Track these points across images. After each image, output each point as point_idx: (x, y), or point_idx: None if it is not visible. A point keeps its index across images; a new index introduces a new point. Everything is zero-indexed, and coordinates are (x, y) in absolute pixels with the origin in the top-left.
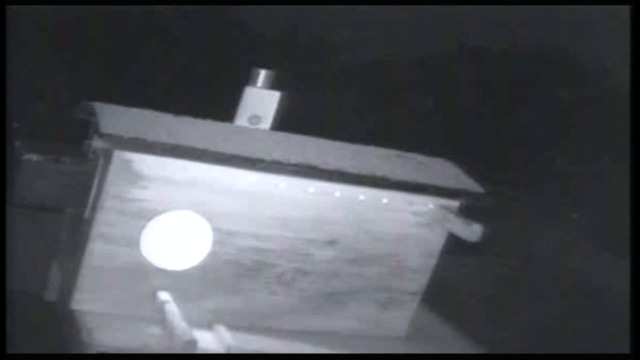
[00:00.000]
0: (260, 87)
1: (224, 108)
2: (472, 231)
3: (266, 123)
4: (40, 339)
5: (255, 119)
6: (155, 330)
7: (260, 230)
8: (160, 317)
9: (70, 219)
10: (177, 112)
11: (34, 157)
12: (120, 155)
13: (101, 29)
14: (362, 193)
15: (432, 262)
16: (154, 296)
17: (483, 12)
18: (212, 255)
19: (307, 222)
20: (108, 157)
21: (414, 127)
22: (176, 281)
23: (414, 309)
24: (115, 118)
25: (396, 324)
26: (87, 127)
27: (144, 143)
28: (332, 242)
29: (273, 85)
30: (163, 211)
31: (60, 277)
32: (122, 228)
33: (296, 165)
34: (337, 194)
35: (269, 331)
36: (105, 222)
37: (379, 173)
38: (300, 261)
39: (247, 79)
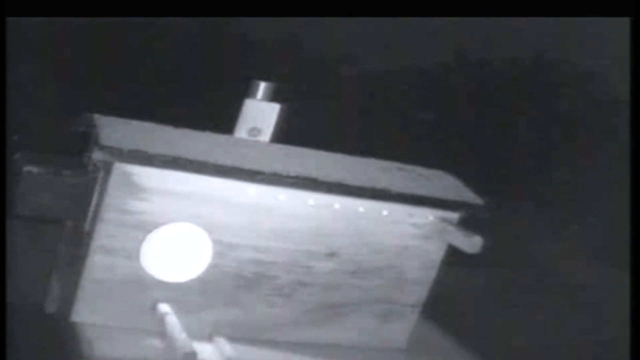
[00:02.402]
0: (260, 100)
1: (223, 120)
2: (472, 243)
3: (266, 135)
4: (40, 351)
5: (255, 131)
6: (156, 342)
7: (260, 243)
8: (160, 329)
9: (71, 231)
10: (177, 124)
11: (34, 169)
12: (121, 168)
13: (101, 41)
14: (361, 205)
15: (432, 274)
16: (154, 308)
17: (482, 24)
18: (212, 267)
19: (307, 234)
20: (108, 169)
21: (413, 139)
22: (176, 293)
23: (414, 321)
24: (115, 130)
25: (396, 335)
26: (87, 139)
27: (144, 155)
28: (332, 254)
29: (273, 97)
30: (163, 223)
31: (60, 289)
32: (122, 240)
33: (296, 177)
34: (337, 206)
35: (270, 343)
36: (106, 234)
37: (379, 185)
38: (300, 273)
39: (247, 91)
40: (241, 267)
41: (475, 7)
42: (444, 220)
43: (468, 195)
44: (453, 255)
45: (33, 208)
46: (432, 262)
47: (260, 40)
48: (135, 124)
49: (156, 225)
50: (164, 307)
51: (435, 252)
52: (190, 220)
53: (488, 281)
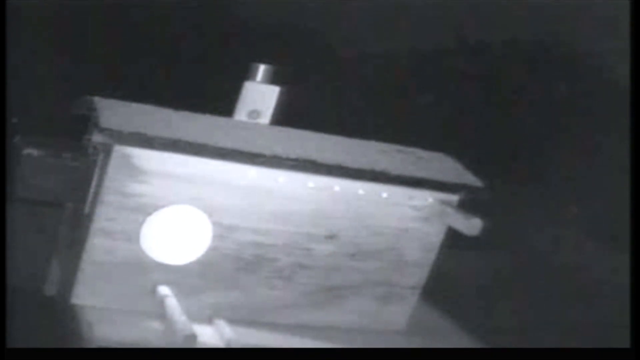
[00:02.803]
0: (260, 82)
1: (223, 103)
2: (471, 225)
3: (265, 118)
4: (40, 333)
5: (254, 113)
6: (156, 324)
7: (260, 225)
8: (160, 311)
9: (71, 214)
10: (177, 107)
11: (34, 152)
12: (120, 150)
13: (100, 23)
14: (361, 187)
15: (432, 256)
16: (154, 290)
17: (482, 6)
18: (212, 249)
19: (306, 216)
20: (108, 151)
21: (413, 122)
22: (176, 275)
23: (413, 303)
24: (114, 113)
25: (396, 318)
26: (87, 122)
27: (143, 138)
28: (331, 237)
29: (272, 79)
30: (163, 206)
31: (60, 271)
32: (122, 223)
33: (296, 159)
34: (337, 188)
35: (269, 325)
36: (106, 217)
37: (379, 167)
38: (300, 255)
39: (247, 74)
40: (241, 249)
41: None
42: (443, 202)
43: (468, 177)
44: (452, 237)
45: (33, 191)
46: (431, 245)
47: (260, 22)
48: (135, 106)
49: (156, 208)
50: (164, 290)
51: (435, 235)
52: (190, 202)
53: (487, 263)
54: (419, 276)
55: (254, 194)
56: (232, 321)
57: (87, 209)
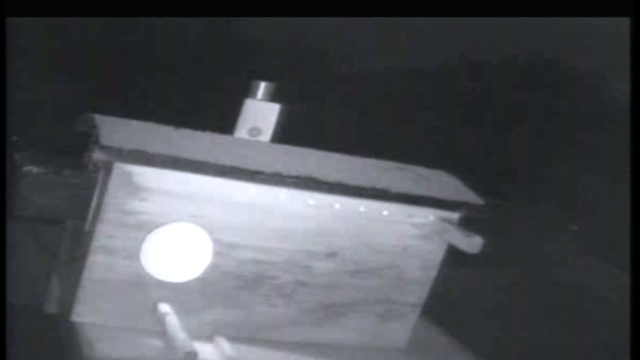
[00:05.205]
0: (260, 100)
1: (224, 120)
2: (472, 243)
3: (266, 135)
4: (40, 351)
5: (255, 131)
6: (156, 342)
7: (260, 243)
8: (160, 329)
9: (71, 231)
10: (177, 125)
11: (34, 169)
12: (121, 168)
13: (101, 41)
14: (362, 205)
15: (432, 273)
16: (154, 308)
17: (482, 24)
18: (212, 267)
19: (307, 234)
20: (108, 169)
21: (414, 139)
22: (176, 293)
23: (414, 321)
24: (115, 130)
25: (396, 335)
26: (87, 139)
27: (144, 155)
28: (332, 254)
29: (273, 97)
30: (163, 223)
31: (60, 289)
32: (122, 240)
33: (296, 177)
34: (337, 206)
35: (269, 343)
36: (106, 234)
37: (379, 185)
38: (300, 273)
39: (247, 91)
40: (241, 267)
41: (475, 7)
42: (444, 220)
43: (468, 195)
44: (453, 255)
45: (33, 208)
46: (432, 262)
47: (261, 40)
48: (135, 124)
49: (156, 225)
50: (164, 307)
51: (435, 252)
52: (190, 220)
53: (488, 281)
54: (419, 294)
55: (255, 211)
56: (233, 339)
57: (87, 227)
